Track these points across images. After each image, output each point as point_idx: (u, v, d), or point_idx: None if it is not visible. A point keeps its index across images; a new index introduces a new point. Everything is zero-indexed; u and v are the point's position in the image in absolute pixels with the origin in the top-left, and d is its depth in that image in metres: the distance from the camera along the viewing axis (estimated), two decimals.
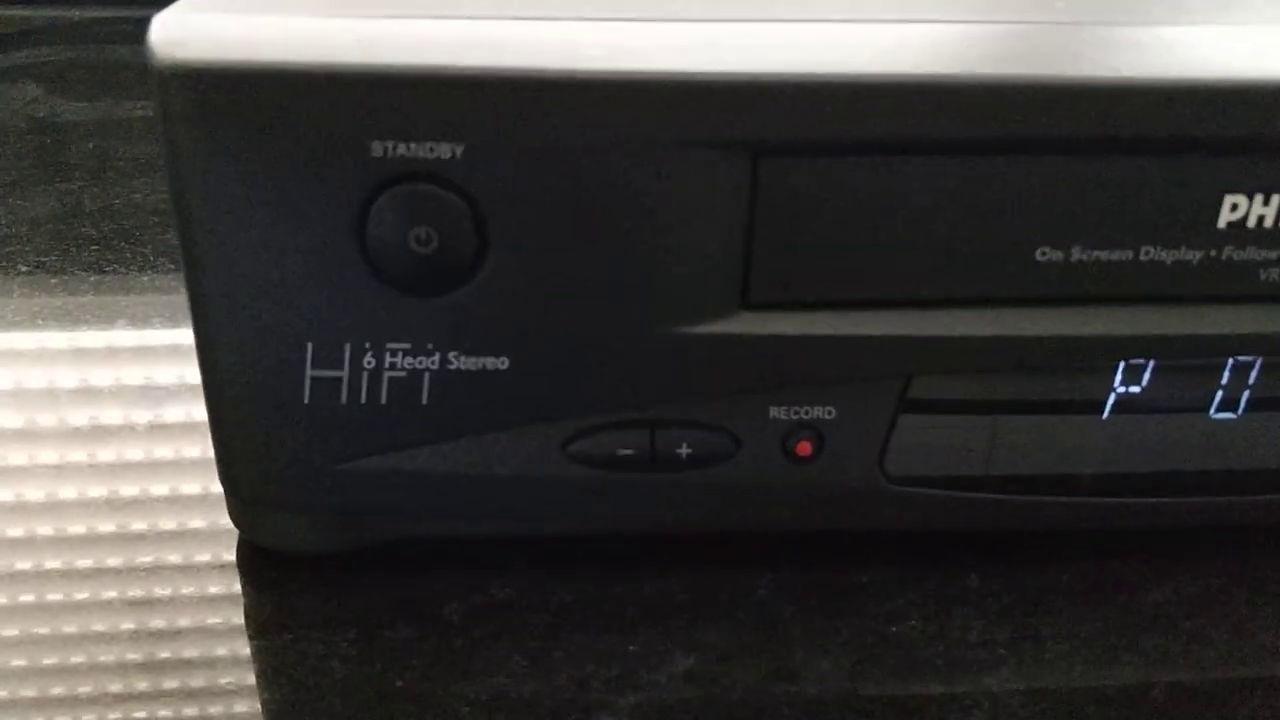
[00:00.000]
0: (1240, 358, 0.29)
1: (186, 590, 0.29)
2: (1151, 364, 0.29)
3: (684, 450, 0.27)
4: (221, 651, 0.27)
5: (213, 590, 0.29)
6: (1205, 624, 0.28)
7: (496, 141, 0.23)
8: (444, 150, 0.23)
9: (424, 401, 0.25)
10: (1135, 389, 0.29)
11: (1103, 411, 0.29)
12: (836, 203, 0.25)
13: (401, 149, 0.23)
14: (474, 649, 0.26)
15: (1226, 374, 0.29)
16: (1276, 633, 0.28)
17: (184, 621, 0.28)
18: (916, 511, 0.28)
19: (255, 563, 0.29)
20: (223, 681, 0.26)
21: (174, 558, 0.30)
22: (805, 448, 0.27)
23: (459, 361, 0.25)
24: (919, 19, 0.25)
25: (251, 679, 0.26)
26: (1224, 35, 0.26)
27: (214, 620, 0.28)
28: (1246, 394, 0.29)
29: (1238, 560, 0.30)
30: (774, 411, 0.27)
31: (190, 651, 0.27)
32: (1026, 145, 0.25)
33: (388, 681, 0.26)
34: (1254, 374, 0.29)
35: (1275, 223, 0.26)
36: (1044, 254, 0.26)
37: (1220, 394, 0.29)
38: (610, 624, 0.27)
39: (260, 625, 0.28)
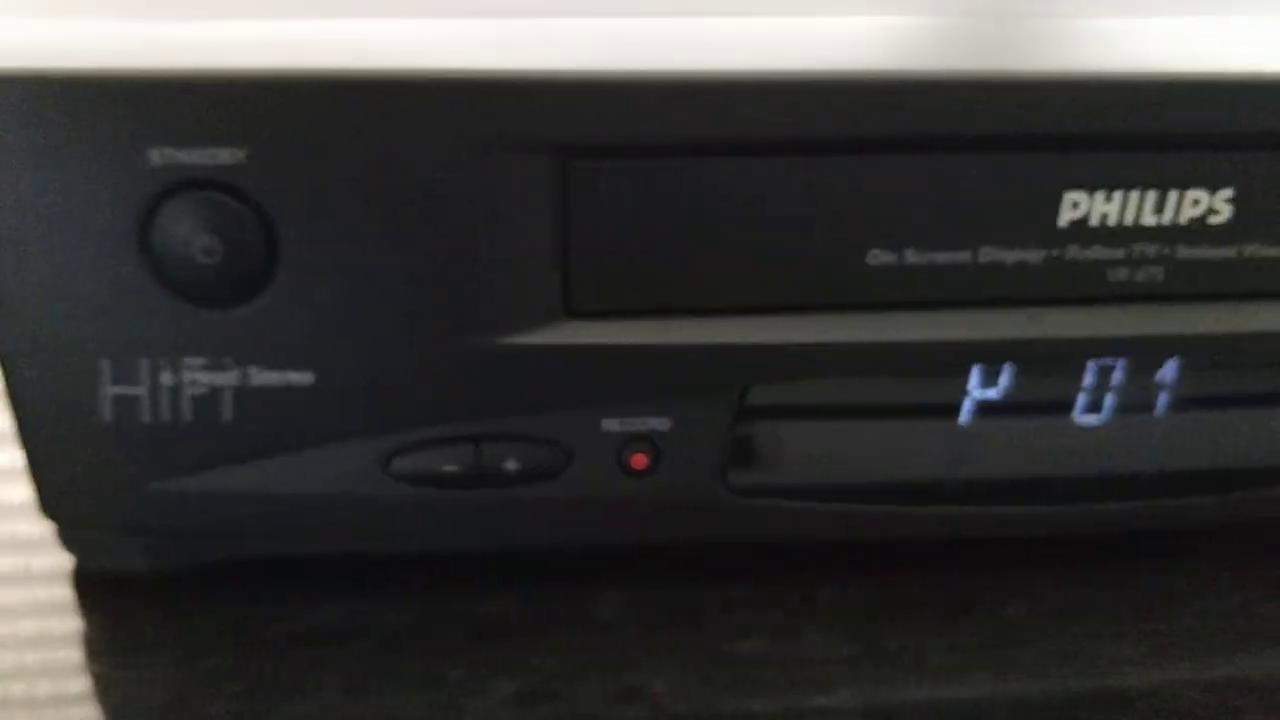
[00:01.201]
0: (1102, 360, 0.28)
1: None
2: (1008, 367, 0.28)
3: (512, 465, 0.26)
4: (39, 670, 0.26)
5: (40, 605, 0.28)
6: (1061, 637, 0.27)
7: (282, 146, 0.22)
8: (225, 156, 0.22)
9: (228, 419, 0.24)
10: (992, 393, 0.28)
11: (959, 416, 0.28)
12: (654, 206, 0.24)
13: (180, 156, 0.22)
14: (291, 675, 0.25)
15: (1089, 376, 0.28)
16: (1133, 642, 0.27)
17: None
18: (763, 524, 0.27)
19: (84, 581, 0.28)
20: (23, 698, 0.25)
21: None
22: (641, 460, 0.26)
23: (260, 376, 0.24)
24: (735, 13, 0.24)
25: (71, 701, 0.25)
26: (1060, 27, 0.25)
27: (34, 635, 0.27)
28: (1111, 396, 0.29)
29: (1101, 569, 0.29)
30: (606, 424, 0.26)
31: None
32: (853, 144, 0.24)
33: (201, 709, 0.25)
34: (1117, 375, 0.28)
35: (1120, 221, 0.26)
36: (876, 256, 0.25)
37: (1083, 397, 0.29)
38: (437, 647, 0.26)
39: (85, 648, 0.27)
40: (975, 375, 0.28)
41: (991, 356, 0.27)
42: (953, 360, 0.27)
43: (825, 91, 0.23)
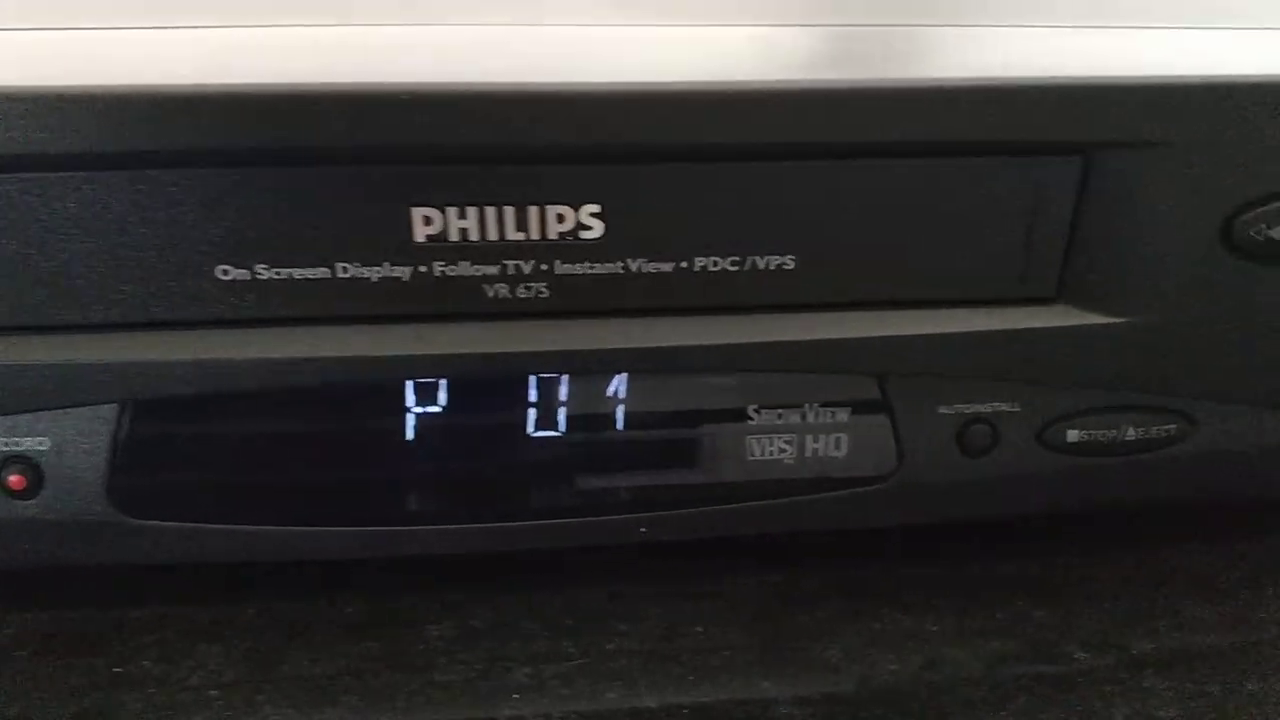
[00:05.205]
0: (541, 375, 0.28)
1: None
2: (444, 382, 0.27)
3: None
4: None
5: None
6: (474, 661, 0.26)
7: None
8: None
9: None
10: (435, 408, 0.28)
11: (405, 432, 0.28)
12: None
13: None
14: None
15: (533, 391, 0.28)
16: (535, 668, 0.26)
17: None
18: (160, 545, 0.27)
19: None
20: None
21: None
22: (19, 482, 0.26)
23: None
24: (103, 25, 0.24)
25: None
26: (408, 39, 0.25)
27: None
28: (563, 411, 0.28)
29: (538, 591, 0.29)
30: None
31: None
32: (176, 157, 0.24)
33: None
34: (564, 391, 0.28)
35: (483, 237, 0.25)
36: (226, 272, 0.25)
37: (533, 412, 0.28)
38: None
39: None
40: (412, 389, 0.27)
41: (394, 373, 0.26)
42: (308, 377, 0.26)
43: (151, 104, 0.23)
